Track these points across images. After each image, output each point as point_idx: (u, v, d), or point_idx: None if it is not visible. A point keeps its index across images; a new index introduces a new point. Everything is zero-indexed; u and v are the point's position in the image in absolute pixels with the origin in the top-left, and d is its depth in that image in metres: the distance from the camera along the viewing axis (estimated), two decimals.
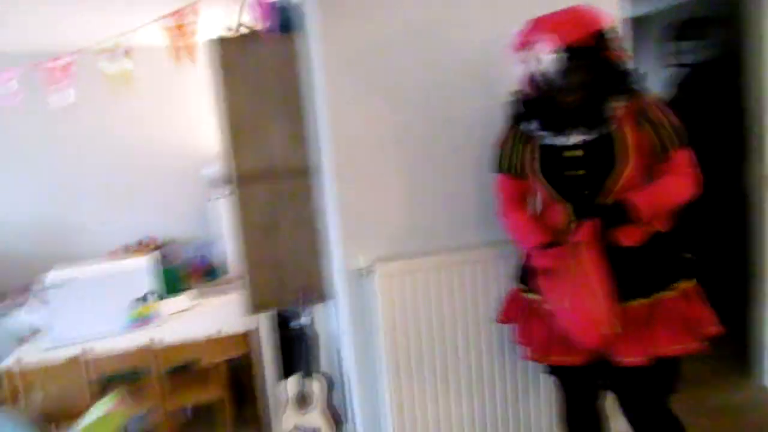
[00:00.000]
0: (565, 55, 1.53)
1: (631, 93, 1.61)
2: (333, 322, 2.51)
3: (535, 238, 1.73)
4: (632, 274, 1.61)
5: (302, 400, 2.33)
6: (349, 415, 2.42)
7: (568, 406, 1.89)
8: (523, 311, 1.83)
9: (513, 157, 1.78)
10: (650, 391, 1.68)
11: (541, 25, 1.58)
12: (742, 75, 2.98)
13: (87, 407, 2.44)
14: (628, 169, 1.60)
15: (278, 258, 2.40)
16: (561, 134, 1.65)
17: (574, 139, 1.63)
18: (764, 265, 2.83)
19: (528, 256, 1.78)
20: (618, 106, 1.59)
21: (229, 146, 2.32)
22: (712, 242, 3.99)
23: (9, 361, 2.55)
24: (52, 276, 2.77)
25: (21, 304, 3.28)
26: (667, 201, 1.62)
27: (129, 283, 2.83)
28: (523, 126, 1.74)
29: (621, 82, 1.60)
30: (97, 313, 2.77)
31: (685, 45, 4.37)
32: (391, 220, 2.06)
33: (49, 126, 4.16)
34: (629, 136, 1.60)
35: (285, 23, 2.28)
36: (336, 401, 2.42)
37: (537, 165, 1.72)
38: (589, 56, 1.56)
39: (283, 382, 2.42)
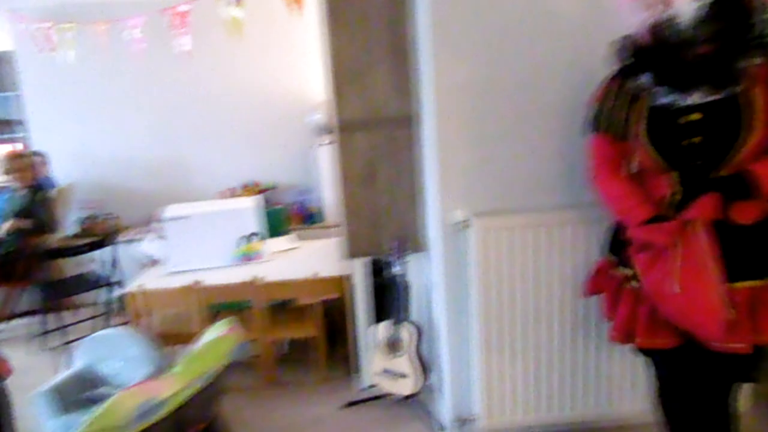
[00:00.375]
0: (708, 0, 1.35)
1: None
2: (425, 273, 2.55)
3: (641, 211, 1.56)
4: (743, 254, 1.45)
5: (392, 346, 2.42)
6: (436, 365, 2.48)
7: (665, 388, 1.74)
8: (611, 285, 1.71)
9: (614, 115, 1.58)
10: (736, 378, 1.56)
11: None
12: None
13: (199, 330, 2.69)
14: (754, 137, 1.40)
15: (376, 206, 2.45)
16: (679, 92, 1.45)
17: (695, 98, 1.43)
18: None
19: (622, 228, 1.64)
20: (753, 64, 1.39)
21: (333, 94, 2.36)
22: None
23: (132, 286, 2.84)
24: (170, 211, 3.02)
25: (143, 235, 3.62)
26: None
27: (238, 222, 3.03)
28: (630, 80, 1.54)
29: (760, 35, 1.39)
30: (208, 247, 3.00)
31: None
32: (489, 175, 2.03)
33: (170, 71, 4.45)
34: (759, 99, 1.39)
35: None
36: (423, 350, 2.48)
37: (643, 127, 1.52)
38: (732, 3, 1.36)
39: (374, 326, 2.51)
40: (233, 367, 1.95)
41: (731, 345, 1.44)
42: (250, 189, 4.48)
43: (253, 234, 3.05)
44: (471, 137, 2.00)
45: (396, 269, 2.38)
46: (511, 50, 1.95)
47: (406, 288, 2.47)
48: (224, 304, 3.09)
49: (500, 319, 2.02)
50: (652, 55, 1.47)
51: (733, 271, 1.44)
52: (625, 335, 1.65)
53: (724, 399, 1.58)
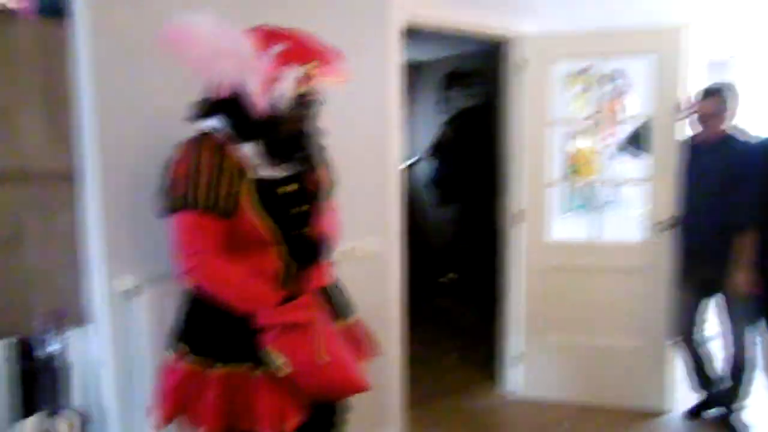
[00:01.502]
0: (323, 87, 1.54)
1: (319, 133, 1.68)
2: (91, 350, 2.23)
3: (272, 293, 1.51)
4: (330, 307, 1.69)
5: None
6: None
7: None
8: (198, 385, 1.51)
9: (219, 190, 1.43)
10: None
11: (310, 52, 1.50)
12: (496, 122, 3.50)
13: None
14: (324, 206, 1.68)
15: (23, 275, 2.05)
16: (276, 165, 1.53)
17: (288, 171, 1.56)
18: (510, 288, 3.30)
19: (246, 315, 1.50)
20: (320, 144, 1.66)
21: None
22: (474, 264, 4.56)
23: None
24: None
25: None
26: (335, 236, 1.76)
27: None
28: (234, 150, 1.48)
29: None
30: None
31: (454, 92, 5.00)
32: (160, 237, 1.89)
33: None
34: (323, 174, 1.67)
35: (51, 5, 2.00)
36: None
37: (253, 200, 1.48)
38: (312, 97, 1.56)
39: (21, 422, 2.06)
40: None
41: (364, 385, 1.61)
42: None
43: None
44: (137, 197, 1.86)
45: (51, 348, 2.02)
46: (170, 110, 1.80)
47: (64, 370, 2.10)
48: None
49: None
50: (259, 128, 1.48)
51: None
52: (276, 424, 1.51)
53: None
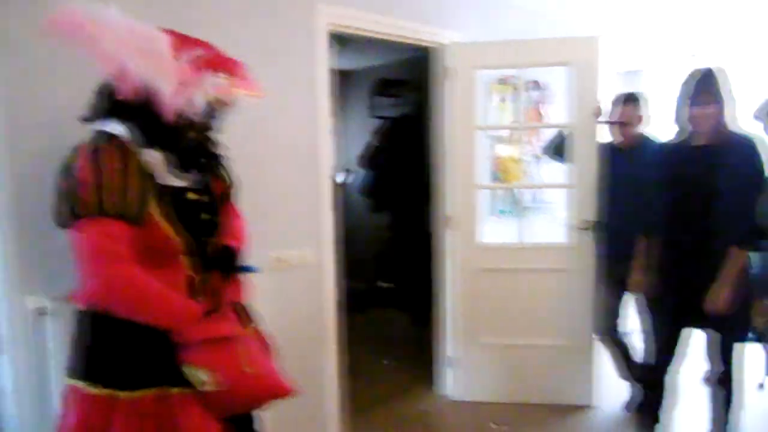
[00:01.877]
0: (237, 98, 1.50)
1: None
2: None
3: (194, 305, 1.44)
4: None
5: None
6: None
7: None
8: (106, 417, 1.36)
9: (130, 193, 1.32)
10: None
11: (225, 61, 1.48)
12: (426, 129, 3.53)
13: None
14: (225, 218, 1.63)
15: None
16: (182, 172, 1.47)
17: (191, 179, 1.50)
18: (444, 292, 3.34)
19: (162, 332, 1.38)
20: (221, 152, 1.62)
21: None
22: (408, 271, 4.58)
23: None
24: None
25: None
26: (243, 244, 1.71)
27: None
28: (142, 155, 1.38)
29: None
30: None
31: (384, 101, 5.03)
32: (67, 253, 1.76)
33: None
34: (216, 187, 1.61)
35: None
36: None
37: (159, 206, 1.39)
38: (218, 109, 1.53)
39: None
40: None
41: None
42: None
43: None
44: (43, 207, 1.68)
45: None
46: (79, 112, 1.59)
47: None
48: None
49: None
50: (166, 134, 1.42)
51: None
52: None
53: None
